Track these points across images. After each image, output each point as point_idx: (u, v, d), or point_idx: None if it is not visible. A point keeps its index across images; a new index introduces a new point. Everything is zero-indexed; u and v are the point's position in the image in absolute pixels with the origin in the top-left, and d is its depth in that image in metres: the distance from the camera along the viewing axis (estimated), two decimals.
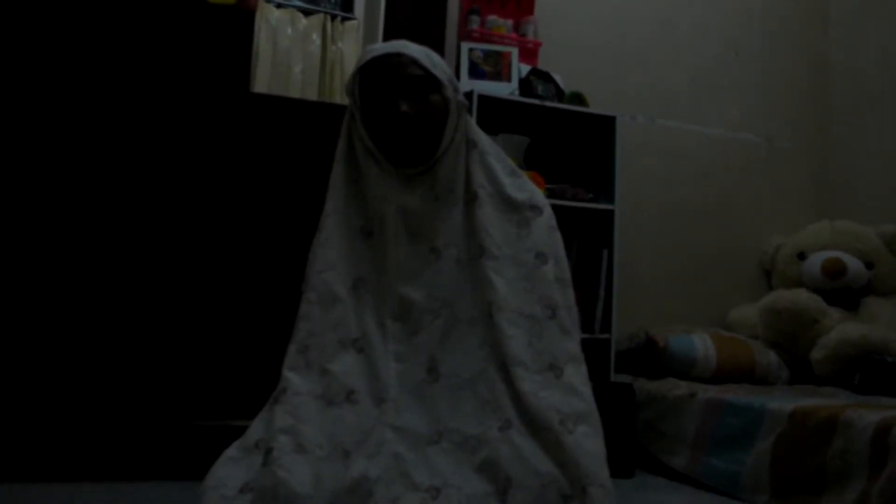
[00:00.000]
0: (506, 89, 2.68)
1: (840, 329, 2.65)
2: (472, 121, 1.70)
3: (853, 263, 2.96)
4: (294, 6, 4.26)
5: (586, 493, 1.35)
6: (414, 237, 1.61)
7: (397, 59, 1.56)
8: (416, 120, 1.55)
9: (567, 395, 1.46)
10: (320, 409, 1.44)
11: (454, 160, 1.63)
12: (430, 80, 1.57)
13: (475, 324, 1.54)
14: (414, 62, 1.56)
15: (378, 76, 1.57)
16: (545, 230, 1.63)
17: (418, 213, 1.62)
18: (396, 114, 1.54)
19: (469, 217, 1.62)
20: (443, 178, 1.63)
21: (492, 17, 2.86)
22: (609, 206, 2.72)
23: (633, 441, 2.45)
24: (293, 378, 1.47)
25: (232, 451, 1.45)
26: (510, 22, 2.89)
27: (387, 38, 2.78)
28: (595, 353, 2.63)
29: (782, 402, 2.19)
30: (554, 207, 1.72)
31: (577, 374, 1.50)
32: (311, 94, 4.12)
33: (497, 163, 1.67)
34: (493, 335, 1.52)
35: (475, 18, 2.82)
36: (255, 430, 1.48)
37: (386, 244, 1.60)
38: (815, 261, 3.01)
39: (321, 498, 1.32)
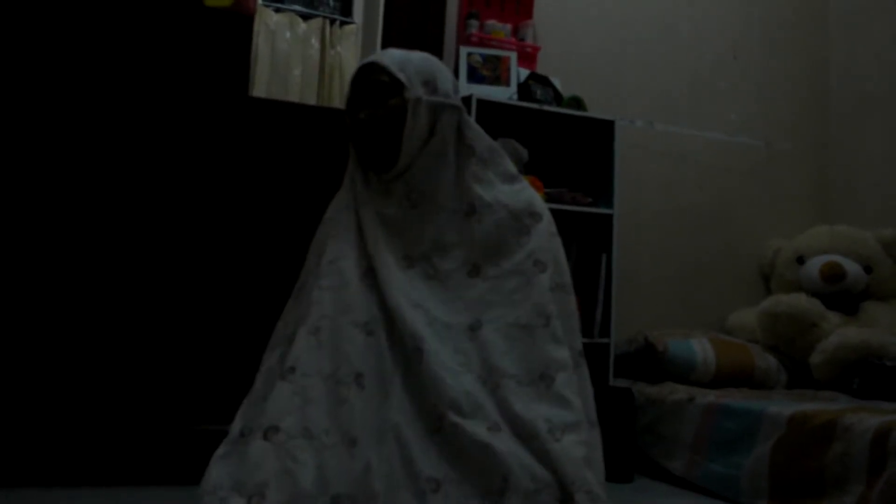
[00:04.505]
0: (504, 94, 2.68)
1: (839, 333, 2.65)
2: (473, 125, 1.69)
3: (852, 267, 2.95)
4: (293, 10, 4.28)
5: (574, 500, 1.36)
6: (391, 244, 1.62)
7: (370, 68, 1.61)
8: (369, 125, 1.59)
9: (555, 406, 1.47)
10: (330, 391, 1.44)
11: (431, 165, 1.62)
12: (393, 85, 1.59)
13: (449, 329, 1.54)
14: (382, 70, 1.59)
15: (352, 88, 1.64)
16: (545, 236, 1.63)
17: (395, 220, 1.62)
18: (356, 121, 1.61)
19: (466, 231, 1.61)
20: (417, 184, 1.62)
21: (490, 22, 2.86)
22: (608, 211, 2.72)
23: (632, 446, 2.45)
24: (303, 358, 1.46)
25: (220, 449, 1.46)
26: (509, 26, 2.90)
27: (385, 42, 2.78)
28: (594, 358, 2.62)
29: (781, 406, 2.19)
30: (553, 212, 1.72)
31: (568, 384, 1.51)
32: (310, 98, 4.14)
33: (495, 169, 1.67)
34: (478, 346, 1.52)
35: (474, 23, 2.82)
36: (238, 419, 1.49)
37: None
38: (814, 265, 3.01)
39: (325, 494, 1.33)
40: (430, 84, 1.60)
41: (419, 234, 1.61)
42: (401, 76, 1.58)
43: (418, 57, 1.64)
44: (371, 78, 1.60)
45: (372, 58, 1.64)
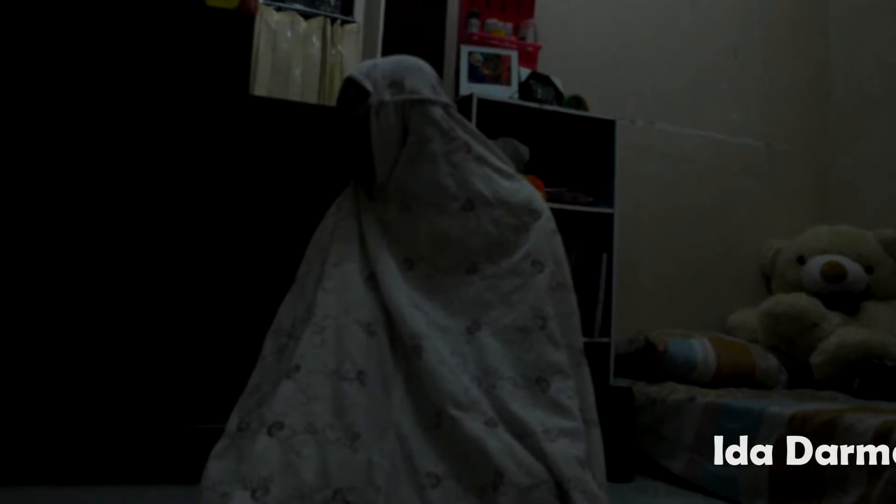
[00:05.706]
0: (505, 93, 2.67)
1: (839, 333, 2.65)
2: (465, 123, 1.68)
3: (853, 267, 2.95)
4: (294, 9, 4.26)
5: (569, 498, 1.36)
6: (391, 248, 1.62)
7: (346, 85, 1.64)
8: (342, 139, 1.65)
9: (551, 412, 1.48)
10: (334, 386, 1.45)
11: (415, 164, 1.62)
12: (359, 96, 1.61)
13: (447, 332, 1.54)
14: (351, 83, 1.62)
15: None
16: (544, 234, 1.63)
17: (393, 225, 1.63)
18: (336, 138, 1.68)
19: (464, 226, 1.61)
20: (406, 186, 1.62)
21: (491, 21, 2.86)
22: (608, 210, 2.72)
23: (632, 445, 2.45)
24: (308, 356, 1.47)
25: (219, 444, 1.49)
26: (510, 25, 2.89)
27: (386, 41, 2.78)
28: (594, 357, 2.61)
29: (782, 406, 2.18)
30: (553, 211, 1.72)
31: (564, 389, 1.51)
32: (311, 97, 4.13)
33: (493, 166, 1.66)
34: (475, 349, 1.53)
35: (475, 22, 2.82)
36: (234, 413, 1.52)
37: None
38: (815, 265, 3.01)
39: (327, 488, 1.34)
40: (396, 85, 1.59)
41: (415, 236, 1.61)
42: (366, 84, 1.59)
43: (388, 60, 1.65)
44: (344, 94, 1.64)
45: (350, 73, 1.67)
